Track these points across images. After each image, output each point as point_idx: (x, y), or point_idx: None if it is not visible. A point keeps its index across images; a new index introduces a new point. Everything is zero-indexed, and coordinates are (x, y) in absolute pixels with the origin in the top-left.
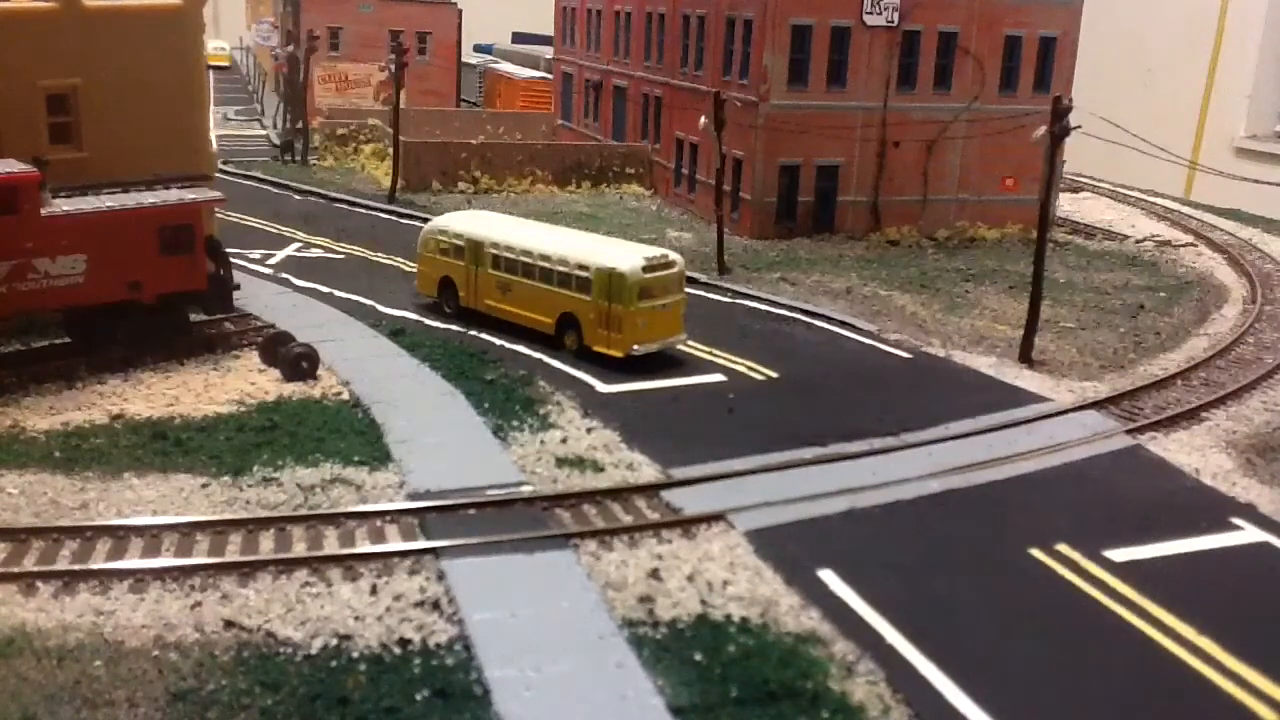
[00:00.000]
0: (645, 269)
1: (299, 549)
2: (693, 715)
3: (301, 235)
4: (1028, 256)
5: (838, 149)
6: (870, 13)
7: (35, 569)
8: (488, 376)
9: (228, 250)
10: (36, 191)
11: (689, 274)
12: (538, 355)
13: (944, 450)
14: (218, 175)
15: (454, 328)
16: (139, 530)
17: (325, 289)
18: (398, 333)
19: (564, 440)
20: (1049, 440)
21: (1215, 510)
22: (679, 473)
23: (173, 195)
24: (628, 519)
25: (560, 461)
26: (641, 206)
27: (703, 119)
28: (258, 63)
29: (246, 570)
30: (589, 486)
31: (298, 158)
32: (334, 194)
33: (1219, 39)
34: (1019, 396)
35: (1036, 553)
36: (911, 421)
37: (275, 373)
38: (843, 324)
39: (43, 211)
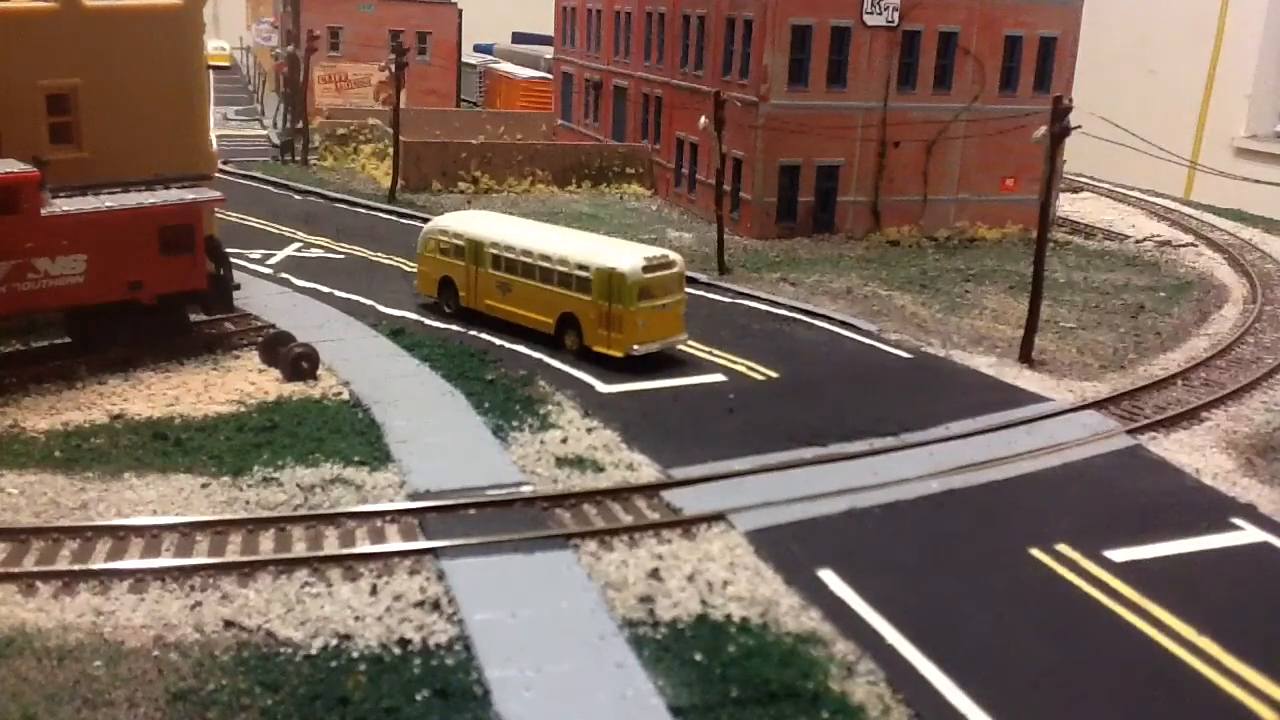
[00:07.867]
0: (645, 269)
1: (299, 549)
2: (693, 715)
3: (301, 235)
4: (1028, 256)
5: (838, 149)
6: (870, 13)
7: (35, 569)
8: (488, 376)
9: (228, 250)
10: (36, 191)
11: (689, 274)
12: (538, 355)
13: (944, 450)
14: (218, 175)
15: (454, 328)
16: (139, 530)
17: (325, 289)
18: (398, 333)
19: (564, 440)
20: (1049, 440)
21: (1215, 510)
22: (679, 473)
23: (173, 195)
24: (628, 519)
25: (560, 461)
26: (641, 206)
27: (703, 119)
28: (258, 63)
29: (246, 570)
30: (589, 486)
31: (298, 158)
32: (334, 194)
33: (1219, 39)
34: (1019, 396)
35: (1036, 553)
36: (911, 421)
37: (275, 373)
38: (843, 324)
39: (43, 211)
